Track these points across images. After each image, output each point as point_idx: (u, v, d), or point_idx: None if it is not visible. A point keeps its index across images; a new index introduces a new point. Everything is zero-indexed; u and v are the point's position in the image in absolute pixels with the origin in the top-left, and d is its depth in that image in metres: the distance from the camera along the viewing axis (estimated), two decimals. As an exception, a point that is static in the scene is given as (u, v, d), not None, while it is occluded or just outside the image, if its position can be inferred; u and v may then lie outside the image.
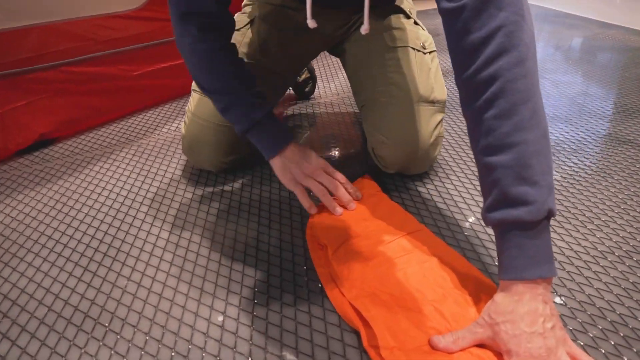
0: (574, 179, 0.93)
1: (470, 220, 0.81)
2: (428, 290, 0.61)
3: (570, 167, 0.97)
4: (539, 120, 0.52)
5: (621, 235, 0.76)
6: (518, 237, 0.51)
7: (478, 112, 0.54)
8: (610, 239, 0.75)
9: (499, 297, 0.53)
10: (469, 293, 0.61)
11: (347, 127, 1.19)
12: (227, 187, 0.92)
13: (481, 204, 0.85)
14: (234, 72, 0.77)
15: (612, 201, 0.85)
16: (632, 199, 0.86)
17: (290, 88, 1.40)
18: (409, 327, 0.55)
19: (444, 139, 1.11)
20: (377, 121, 0.88)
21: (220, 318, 0.62)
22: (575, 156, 1.01)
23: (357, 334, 0.58)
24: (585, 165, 0.98)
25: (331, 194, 0.79)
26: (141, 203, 0.88)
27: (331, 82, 1.53)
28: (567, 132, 1.13)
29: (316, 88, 1.46)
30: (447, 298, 0.60)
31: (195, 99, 0.92)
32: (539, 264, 0.51)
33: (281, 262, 0.72)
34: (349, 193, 0.80)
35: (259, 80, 0.80)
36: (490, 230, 0.78)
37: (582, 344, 0.57)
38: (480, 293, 0.61)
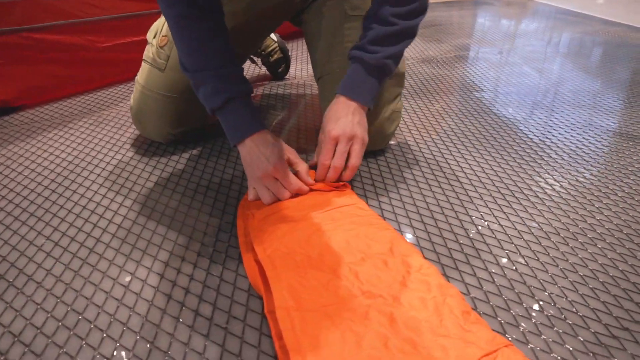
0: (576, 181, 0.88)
1: (421, 199, 0.77)
2: (347, 255, 0.58)
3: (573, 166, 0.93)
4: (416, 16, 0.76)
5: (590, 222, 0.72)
6: (360, 71, 0.75)
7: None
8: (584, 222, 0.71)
9: (329, 108, 0.76)
10: (391, 259, 0.57)
11: (317, 105, 1.15)
12: (173, 158, 0.90)
13: (433, 187, 0.82)
14: (217, 49, 0.72)
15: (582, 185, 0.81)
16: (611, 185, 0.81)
17: (265, 68, 1.37)
18: (317, 286, 0.52)
19: (402, 121, 1.07)
20: (331, 93, 0.85)
21: (128, 278, 0.59)
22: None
23: (262, 300, 0.55)
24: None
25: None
26: (84, 168, 0.86)
27: (307, 64, 1.50)
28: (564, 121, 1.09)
29: (292, 69, 1.43)
30: (365, 261, 0.56)
31: (145, 70, 0.90)
32: (368, 93, 0.76)
33: (206, 228, 0.69)
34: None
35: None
36: (440, 217, 0.74)
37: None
38: (404, 260, 0.57)
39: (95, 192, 0.79)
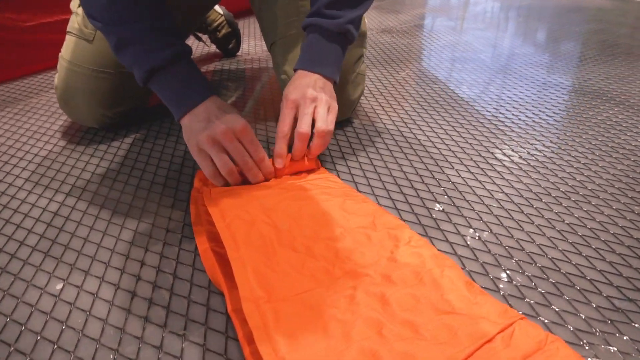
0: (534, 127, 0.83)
1: (397, 168, 0.69)
2: (323, 229, 0.49)
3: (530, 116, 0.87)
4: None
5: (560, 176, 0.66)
6: (320, 40, 0.64)
7: None
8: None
9: (289, 83, 0.64)
10: (375, 233, 0.49)
11: (274, 83, 1.06)
12: (114, 144, 0.78)
13: (404, 157, 0.74)
14: None
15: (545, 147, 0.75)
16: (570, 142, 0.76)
17: (214, 46, 1.25)
18: (289, 269, 0.43)
19: (366, 88, 0.99)
20: (290, 56, 0.76)
21: (59, 286, 0.48)
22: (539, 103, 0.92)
23: (224, 297, 0.46)
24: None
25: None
26: (5, 162, 0.73)
27: (261, 40, 1.39)
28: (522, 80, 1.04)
29: (245, 45, 1.32)
30: (345, 236, 0.48)
31: (70, 43, 0.77)
32: (333, 63, 0.65)
33: (154, 220, 0.58)
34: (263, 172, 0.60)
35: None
36: (408, 191, 0.66)
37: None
38: (390, 233, 0.49)
39: (20, 187, 0.66)
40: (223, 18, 1.18)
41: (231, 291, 0.43)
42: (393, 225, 0.50)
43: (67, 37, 0.79)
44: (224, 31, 1.20)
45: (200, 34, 1.20)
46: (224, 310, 0.45)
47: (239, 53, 1.26)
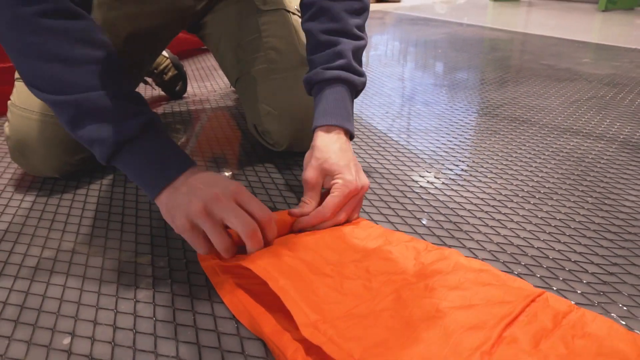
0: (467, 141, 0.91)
1: (380, 196, 0.73)
2: (346, 253, 0.50)
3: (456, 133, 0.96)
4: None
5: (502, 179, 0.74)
6: (344, 94, 0.60)
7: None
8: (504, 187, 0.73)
9: (317, 141, 0.59)
10: (395, 248, 0.52)
11: (228, 120, 1.06)
12: (80, 193, 0.73)
13: (388, 177, 0.79)
14: (91, 57, 0.50)
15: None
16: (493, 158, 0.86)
17: (160, 89, 1.24)
18: (329, 292, 0.43)
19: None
20: (259, 91, 0.77)
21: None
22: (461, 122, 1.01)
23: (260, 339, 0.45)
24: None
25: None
26: (-45, 224, 0.66)
27: (206, 81, 1.40)
28: (448, 105, 1.14)
29: (190, 88, 1.32)
30: (369, 256, 0.50)
31: (21, 88, 0.73)
32: (348, 119, 0.60)
33: (154, 282, 0.56)
34: (266, 239, 0.49)
35: None
36: (410, 208, 0.70)
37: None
38: (408, 245, 0.52)
39: (-18, 248, 0.60)
40: (169, 61, 1.18)
41: (267, 324, 0.42)
42: (406, 238, 0.53)
43: (17, 83, 0.75)
44: (170, 74, 1.19)
45: (146, 78, 1.18)
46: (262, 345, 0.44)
47: (185, 95, 1.25)
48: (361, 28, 0.63)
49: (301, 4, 0.65)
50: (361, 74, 0.62)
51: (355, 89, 0.62)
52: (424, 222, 0.63)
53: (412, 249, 0.51)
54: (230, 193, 0.47)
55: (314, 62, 0.62)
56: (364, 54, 1.61)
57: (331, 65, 0.60)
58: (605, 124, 0.98)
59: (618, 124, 0.97)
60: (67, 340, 0.44)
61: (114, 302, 0.49)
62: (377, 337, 0.38)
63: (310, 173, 0.57)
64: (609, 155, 0.83)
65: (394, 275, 0.46)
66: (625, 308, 0.47)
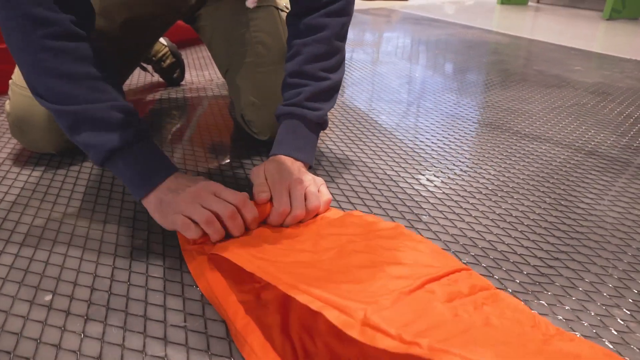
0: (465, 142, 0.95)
1: (362, 184, 0.78)
2: (307, 226, 0.57)
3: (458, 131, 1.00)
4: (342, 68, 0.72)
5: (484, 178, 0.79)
6: (302, 128, 0.68)
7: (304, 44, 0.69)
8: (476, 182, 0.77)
9: (268, 164, 0.64)
10: (350, 219, 0.58)
11: (221, 109, 1.11)
12: (73, 169, 0.79)
13: (363, 169, 0.83)
14: (90, 73, 0.56)
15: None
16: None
17: (159, 76, 1.28)
18: (279, 249, 0.49)
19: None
20: (245, 82, 0.82)
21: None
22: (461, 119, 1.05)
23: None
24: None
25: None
26: (-45, 191, 0.71)
27: (205, 70, 1.45)
28: (451, 102, 1.18)
29: (188, 76, 1.37)
30: (326, 223, 0.56)
31: (23, 67, 0.78)
32: (312, 150, 0.69)
33: (131, 253, 0.61)
34: (245, 221, 0.56)
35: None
36: (385, 204, 0.75)
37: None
38: (364, 218, 0.58)
39: (-21, 214, 0.65)
40: (167, 49, 1.22)
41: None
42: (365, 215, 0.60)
43: (19, 63, 0.79)
44: (168, 61, 1.24)
45: (145, 64, 1.22)
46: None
47: (182, 82, 1.30)
48: (327, 70, 0.70)
49: (287, 40, 0.73)
50: (316, 109, 0.68)
51: (311, 122, 0.69)
52: (389, 213, 0.68)
53: (365, 219, 0.57)
54: (209, 188, 0.56)
55: (283, 99, 0.71)
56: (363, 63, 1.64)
57: (287, 102, 0.69)
58: (580, 131, 1.02)
59: (592, 132, 1.01)
60: (48, 297, 0.49)
61: (93, 267, 0.54)
62: (312, 275, 0.43)
63: (256, 177, 0.63)
64: (576, 161, 0.87)
65: (341, 235, 0.52)
66: (553, 296, 0.52)
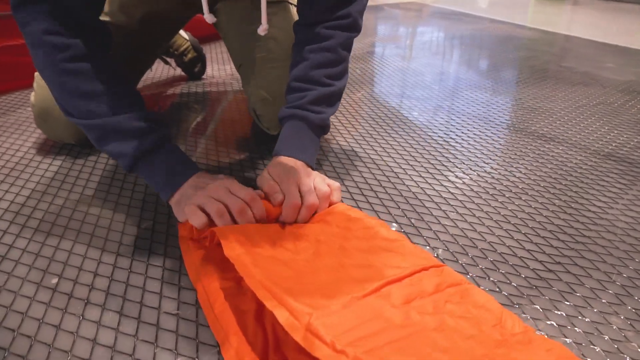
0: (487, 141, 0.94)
1: (366, 179, 0.78)
2: (299, 227, 0.57)
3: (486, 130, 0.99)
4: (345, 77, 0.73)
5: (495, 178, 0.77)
6: (305, 130, 0.69)
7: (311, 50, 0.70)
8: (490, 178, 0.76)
9: (272, 167, 0.64)
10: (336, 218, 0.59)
11: (239, 103, 1.13)
12: (91, 159, 0.82)
13: (370, 166, 0.83)
14: (109, 88, 0.60)
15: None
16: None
17: (181, 69, 1.32)
18: (266, 246, 0.51)
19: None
20: (256, 77, 0.84)
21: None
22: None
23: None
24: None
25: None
26: (-18, 178, 0.76)
27: (226, 65, 1.47)
28: (477, 97, 1.16)
29: (209, 70, 1.39)
30: (314, 225, 0.57)
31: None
32: (314, 152, 0.69)
33: (135, 240, 0.63)
34: (257, 217, 0.58)
35: (123, 48, 0.70)
36: (386, 199, 0.75)
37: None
38: (351, 219, 0.59)
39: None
40: (189, 43, 1.25)
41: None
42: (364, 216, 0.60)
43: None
44: (189, 55, 1.26)
45: (167, 58, 1.26)
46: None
47: (204, 76, 1.33)
48: (332, 77, 0.70)
49: (293, 46, 0.74)
50: (319, 112, 0.69)
51: (314, 124, 0.69)
52: (391, 211, 0.68)
53: (351, 219, 0.58)
54: (224, 185, 0.58)
55: (286, 102, 0.72)
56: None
57: (291, 105, 0.70)
58: (602, 131, 0.98)
59: (614, 133, 0.98)
60: (54, 280, 0.52)
61: (99, 254, 0.57)
62: (283, 274, 0.45)
63: (264, 179, 0.64)
64: (593, 163, 0.84)
65: (320, 227, 0.55)
66: (549, 301, 0.51)
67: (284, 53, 0.82)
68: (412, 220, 0.65)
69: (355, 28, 0.72)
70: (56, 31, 0.57)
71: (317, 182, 0.63)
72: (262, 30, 0.68)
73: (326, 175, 0.67)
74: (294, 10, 0.86)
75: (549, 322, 0.48)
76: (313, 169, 0.67)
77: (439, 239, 0.61)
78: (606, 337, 0.46)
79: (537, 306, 0.50)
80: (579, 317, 0.49)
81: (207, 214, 0.55)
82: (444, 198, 0.71)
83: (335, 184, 0.64)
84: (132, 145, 0.59)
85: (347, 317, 0.40)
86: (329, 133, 0.93)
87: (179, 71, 1.35)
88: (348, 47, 0.72)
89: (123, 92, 0.62)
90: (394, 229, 0.63)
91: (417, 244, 0.60)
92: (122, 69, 0.64)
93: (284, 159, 0.65)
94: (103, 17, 0.80)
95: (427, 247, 0.59)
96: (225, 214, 0.55)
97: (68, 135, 0.84)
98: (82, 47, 0.59)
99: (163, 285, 0.52)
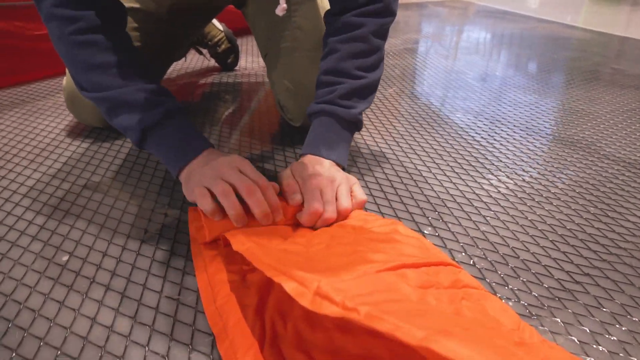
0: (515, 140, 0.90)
1: (388, 176, 0.75)
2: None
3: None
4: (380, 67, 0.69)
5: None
6: (334, 126, 0.65)
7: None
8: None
9: (296, 165, 0.61)
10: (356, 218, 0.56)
11: (269, 95, 1.12)
12: (116, 143, 0.84)
13: (394, 162, 0.81)
14: (120, 61, 0.59)
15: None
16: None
17: (214, 60, 1.33)
18: (276, 239, 0.49)
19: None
20: (282, 67, 0.82)
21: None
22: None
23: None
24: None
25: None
26: (15, 155, 0.78)
27: (259, 57, 1.47)
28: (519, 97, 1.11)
29: (242, 62, 1.40)
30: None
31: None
32: (344, 150, 0.65)
33: (148, 224, 0.64)
34: (268, 202, 0.53)
35: (153, 36, 0.69)
36: (406, 195, 0.72)
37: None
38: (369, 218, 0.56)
39: (22, 184, 0.71)
40: (223, 34, 1.26)
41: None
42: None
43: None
44: (223, 46, 1.27)
45: (201, 49, 1.27)
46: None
47: (236, 68, 1.33)
48: (364, 68, 0.66)
49: (323, 38, 0.71)
50: (350, 107, 0.65)
51: (344, 120, 0.65)
52: (407, 208, 0.65)
53: (367, 217, 0.56)
54: (235, 164, 0.55)
55: (315, 97, 0.68)
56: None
57: (320, 100, 0.66)
58: (652, 137, 0.91)
59: (666, 139, 0.90)
60: (65, 258, 0.53)
61: (111, 235, 0.58)
62: (292, 259, 0.42)
63: (284, 176, 0.61)
64: (633, 173, 0.77)
65: (334, 228, 0.52)
66: (573, 315, 0.46)
67: (309, 43, 0.80)
68: (430, 220, 0.62)
69: (388, 12, 0.67)
70: (67, 3, 0.57)
71: (341, 194, 0.57)
72: (280, 10, 0.64)
73: (345, 169, 0.65)
74: (322, 1, 0.84)
75: (570, 337, 0.44)
76: (344, 168, 0.64)
77: (458, 241, 0.58)
78: (634, 359, 0.42)
79: (557, 319, 0.46)
80: (605, 335, 0.44)
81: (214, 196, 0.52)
82: (468, 199, 0.68)
83: (360, 198, 0.59)
84: (138, 117, 0.58)
85: (360, 285, 0.36)
86: (371, 122, 0.91)
87: (212, 62, 1.36)
88: (382, 35, 0.68)
89: (134, 65, 0.61)
90: (410, 227, 0.60)
91: (434, 244, 0.57)
92: (132, 42, 0.63)
93: (310, 158, 0.62)
94: (132, 3, 0.81)
95: (444, 249, 0.56)
96: (231, 194, 0.51)
97: (94, 119, 0.85)
98: (93, 19, 0.58)
99: (168, 270, 0.52)
